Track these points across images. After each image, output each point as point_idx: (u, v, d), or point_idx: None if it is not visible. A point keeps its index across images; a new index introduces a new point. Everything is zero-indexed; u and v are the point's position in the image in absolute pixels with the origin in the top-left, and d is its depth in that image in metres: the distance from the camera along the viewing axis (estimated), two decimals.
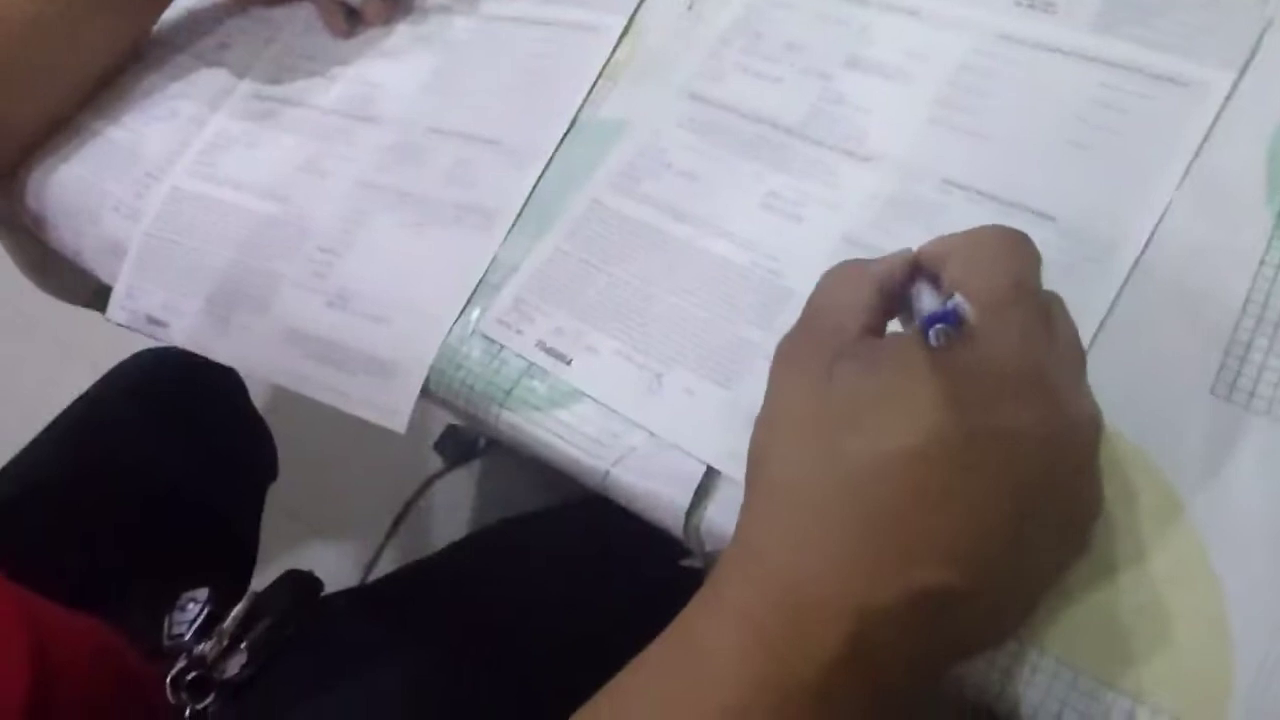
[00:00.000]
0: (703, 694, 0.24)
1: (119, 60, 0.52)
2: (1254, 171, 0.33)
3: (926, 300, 0.27)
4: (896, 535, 0.24)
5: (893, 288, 0.28)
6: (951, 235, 0.27)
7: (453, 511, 1.05)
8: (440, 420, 1.05)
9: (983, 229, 0.27)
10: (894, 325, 0.29)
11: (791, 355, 0.27)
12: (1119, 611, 0.27)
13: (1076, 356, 0.27)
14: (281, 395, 0.28)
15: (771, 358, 0.28)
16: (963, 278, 0.26)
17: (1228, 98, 0.35)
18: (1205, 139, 0.34)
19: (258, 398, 0.74)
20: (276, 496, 0.73)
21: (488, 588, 0.54)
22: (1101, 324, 0.32)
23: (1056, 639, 0.27)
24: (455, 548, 0.58)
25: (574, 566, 0.54)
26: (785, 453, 0.26)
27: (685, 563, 0.36)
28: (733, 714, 0.24)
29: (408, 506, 1.05)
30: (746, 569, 0.25)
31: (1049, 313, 0.26)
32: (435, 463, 1.06)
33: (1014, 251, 0.26)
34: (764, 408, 0.27)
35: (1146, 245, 0.33)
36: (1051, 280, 0.31)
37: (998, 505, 0.24)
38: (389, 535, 1.04)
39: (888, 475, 0.24)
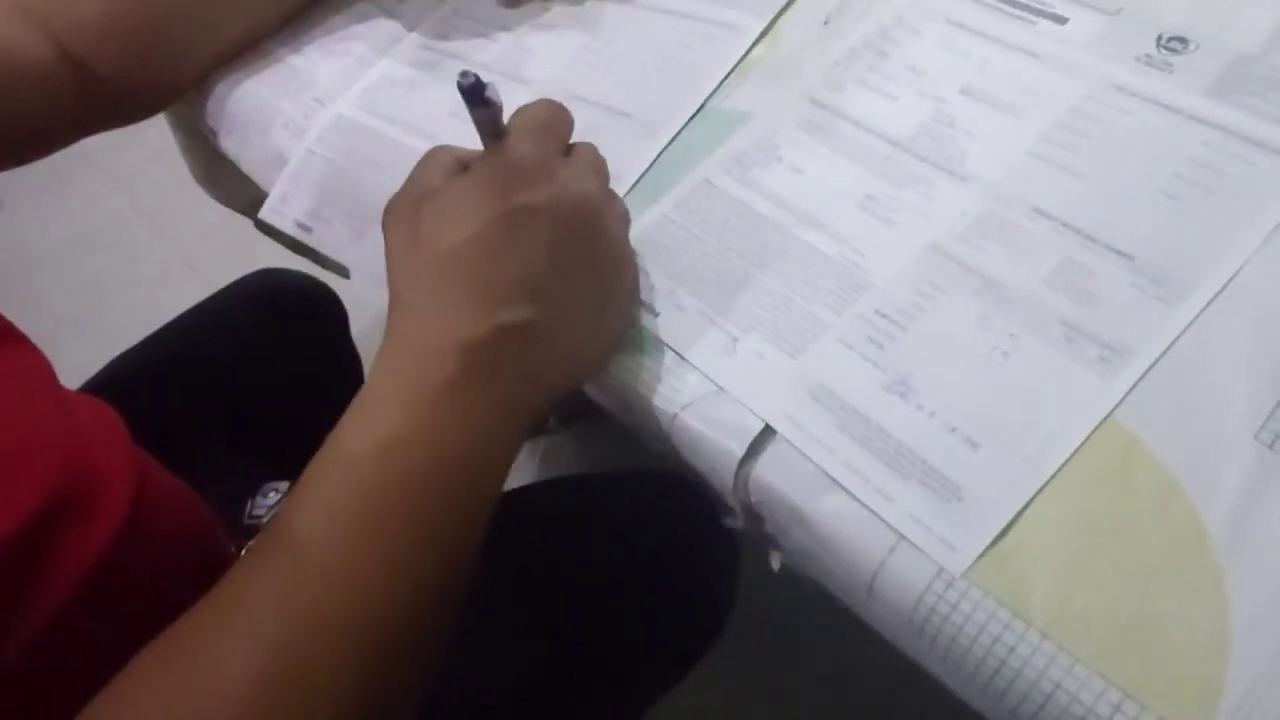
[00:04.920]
0: (367, 426, 0.34)
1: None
2: None
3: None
4: (478, 290, 0.34)
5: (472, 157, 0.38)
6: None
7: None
8: None
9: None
10: None
11: (391, 208, 0.38)
12: (1126, 612, 0.29)
13: (588, 165, 0.39)
14: (376, 332, 0.33)
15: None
16: (515, 117, 0.38)
17: None
18: None
19: (356, 335, 0.80)
20: None
21: (522, 540, 0.57)
22: (1163, 354, 0.33)
23: (1062, 627, 0.29)
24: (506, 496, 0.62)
25: (617, 525, 0.58)
26: (400, 263, 0.36)
27: (726, 522, 0.39)
28: (388, 438, 0.33)
29: None
30: (387, 342, 0.35)
31: (571, 145, 0.40)
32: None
33: (552, 110, 0.39)
34: (386, 249, 0.37)
35: (1216, 295, 0.34)
36: (1119, 311, 0.33)
37: (541, 256, 0.35)
38: None
39: (464, 254, 0.34)
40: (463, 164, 0.38)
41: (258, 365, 0.68)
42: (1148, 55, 0.41)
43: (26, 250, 1.62)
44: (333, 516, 0.32)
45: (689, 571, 0.58)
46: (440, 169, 0.38)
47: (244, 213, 0.68)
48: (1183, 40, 0.41)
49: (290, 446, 0.68)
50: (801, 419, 0.35)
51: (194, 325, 0.70)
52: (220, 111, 0.57)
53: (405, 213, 0.37)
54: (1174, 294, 0.35)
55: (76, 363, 0.65)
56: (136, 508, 0.35)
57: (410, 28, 0.57)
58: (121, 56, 0.52)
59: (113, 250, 1.58)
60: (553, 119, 0.39)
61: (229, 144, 0.57)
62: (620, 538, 0.58)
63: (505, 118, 0.38)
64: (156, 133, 0.70)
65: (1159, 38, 0.42)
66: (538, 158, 0.36)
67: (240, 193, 0.66)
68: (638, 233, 0.42)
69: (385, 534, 0.32)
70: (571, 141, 0.41)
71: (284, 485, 0.58)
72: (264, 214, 0.51)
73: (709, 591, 0.60)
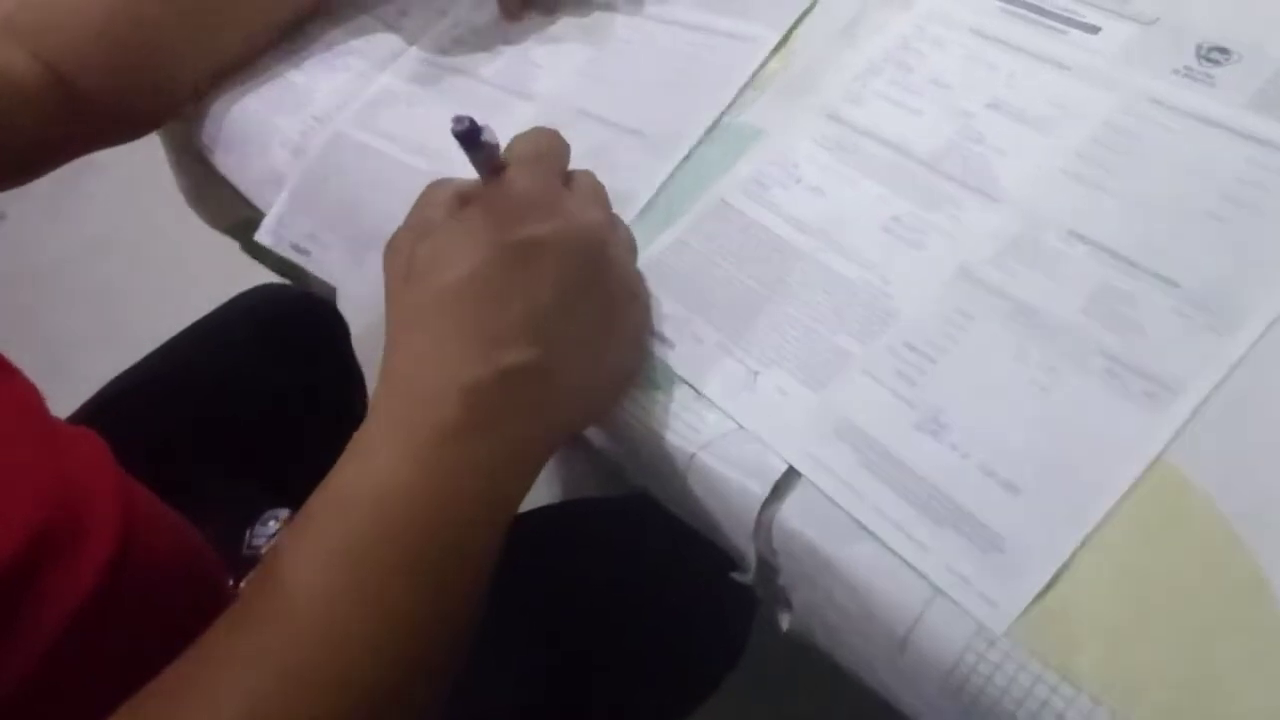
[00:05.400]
0: (363, 479, 0.32)
1: (311, 10, 0.57)
2: None
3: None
4: (479, 330, 0.32)
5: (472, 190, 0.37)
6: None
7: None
8: None
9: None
10: None
11: (391, 244, 0.37)
12: (1183, 674, 0.27)
13: (589, 194, 0.38)
14: (378, 349, 0.32)
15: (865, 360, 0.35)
16: (512, 147, 0.37)
17: None
18: None
19: (358, 349, 0.78)
20: None
21: (538, 561, 0.56)
22: (1215, 389, 0.31)
23: (1115, 691, 0.27)
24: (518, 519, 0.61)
25: (622, 555, 0.56)
26: (399, 302, 0.35)
27: (734, 575, 0.37)
28: (385, 486, 0.31)
29: None
30: (384, 385, 0.34)
31: (569, 173, 0.38)
32: None
33: (549, 138, 0.38)
34: (385, 287, 0.36)
35: (1272, 325, 0.32)
36: (1165, 341, 0.31)
37: (545, 294, 0.33)
38: None
39: (464, 292, 0.33)
40: (463, 198, 0.36)
41: (257, 383, 0.67)
42: (1187, 67, 0.39)
43: (30, 262, 1.61)
44: (326, 569, 0.31)
45: (704, 606, 0.56)
46: (440, 204, 0.36)
47: (230, 234, 0.67)
48: (1224, 50, 0.39)
49: (292, 464, 0.67)
50: (826, 459, 0.33)
51: (192, 343, 0.69)
52: (217, 129, 0.55)
53: (404, 250, 0.35)
54: (1225, 323, 0.32)
55: (82, 375, 0.63)
56: (126, 544, 0.34)
57: (411, 42, 0.55)
58: (114, 76, 0.51)
59: (117, 262, 1.57)
60: (550, 148, 0.38)
61: (225, 163, 0.55)
62: (632, 568, 0.56)
63: (507, 139, 0.36)
64: (153, 149, 0.69)
65: (1198, 48, 0.39)
66: (539, 189, 0.35)
67: (228, 213, 0.64)
68: (651, 258, 0.40)
69: (381, 587, 0.31)
70: (571, 168, 0.39)
71: (284, 513, 0.56)
72: (260, 236, 0.49)
73: (723, 627, 0.58)
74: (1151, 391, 0.32)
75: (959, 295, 0.36)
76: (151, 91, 0.54)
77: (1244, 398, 0.31)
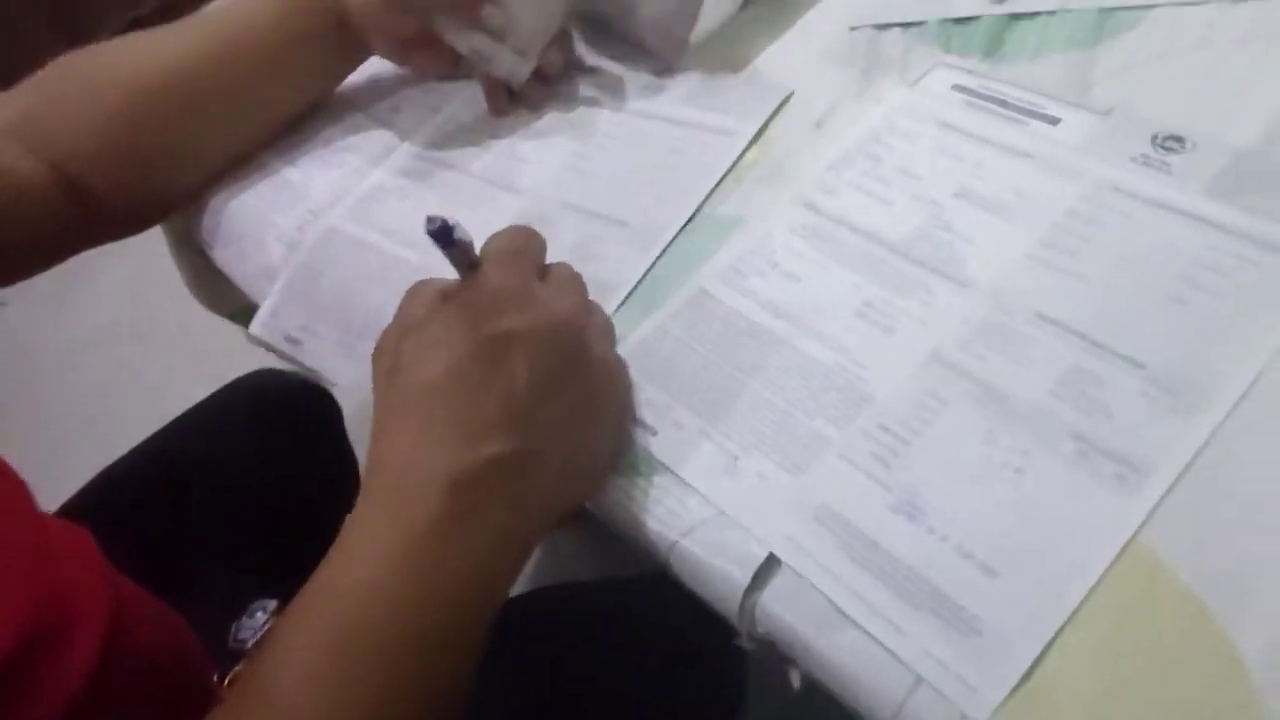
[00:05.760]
0: (349, 566, 0.33)
1: (307, 109, 0.59)
2: None
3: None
4: (460, 423, 0.33)
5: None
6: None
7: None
8: None
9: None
10: None
11: (379, 343, 0.38)
12: None
13: (565, 285, 0.39)
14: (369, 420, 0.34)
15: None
16: (488, 244, 0.38)
17: None
18: None
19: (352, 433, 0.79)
20: None
21: (540, 640, 0.55)
22: (1184, 471, 0.32)
23: None
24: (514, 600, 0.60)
25: (629, 634, 0.56)
26: (383, 398, 0.36)
27: (736, 642, 0.37)
28: (372, 578, 0.32)
29: None
30: (371, 478, 0.35)
31: (546, 266, 0.40)
32: None
33: (524, 235, 0.39)
34: (373, 384, 0.37)
35: (1236, 406, 0.33)
36: (1134, 423, 0.32)
37: (522, 384, 0.34)
38: None
39: (443, 387, 0.34)
40: (445, 295, 0.37)
41: (251, 470, 0.67)
42: (1144, 155, 0.41)
43: (29, 352, 1.62)
44: (309, 669, 0.31)
45: (697, 676, 0.55)
46: (423, 302, 0.37)
47: (232, 319, 0.68)
48: (1179, 139, 0.41)
49: (283, 554, 0.67)
50: (805, 543, 0.34)
51: (187, 430, 0.69)
52: (215, 225, 0.57)
53: (389, 348, 0.36)
54: (1191, 404, 0.33)
55: (82, 463, 0.64)
56: (112, 641, 0.34)
57: (403, 138, 0.57)
58: (116, 177, 0.53)
59: (120, 350, 1.58)
60: (525, 244, 0.39)
61: (223, 257, 0.56)
62: (625, 643, 0.56)
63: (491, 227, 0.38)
64: (159, 237, 0.71)
65: (1155, 137, 0.41)
66: (512, 283, 0.36)
67: (230, 300, 0.66)
68: (634, 346, 0.41)
69: (364, 683, 0.31)
70: (555, 260, 0.40)
71: (272, 604, 0.56)
72: (254, 328, 0.51)
73: (719, 696, 0.57)
74: (1121, 474, 0.32)
75: (931, 378, 0.36)
76: (156, 189, 0.56)
77: (1211, 478, 0.31)
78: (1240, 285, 0.36)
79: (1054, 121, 0.43)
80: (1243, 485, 0.31)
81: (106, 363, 1.57)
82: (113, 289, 1.64)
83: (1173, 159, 0.40)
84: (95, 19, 2.35)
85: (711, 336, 0.41)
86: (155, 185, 0.56)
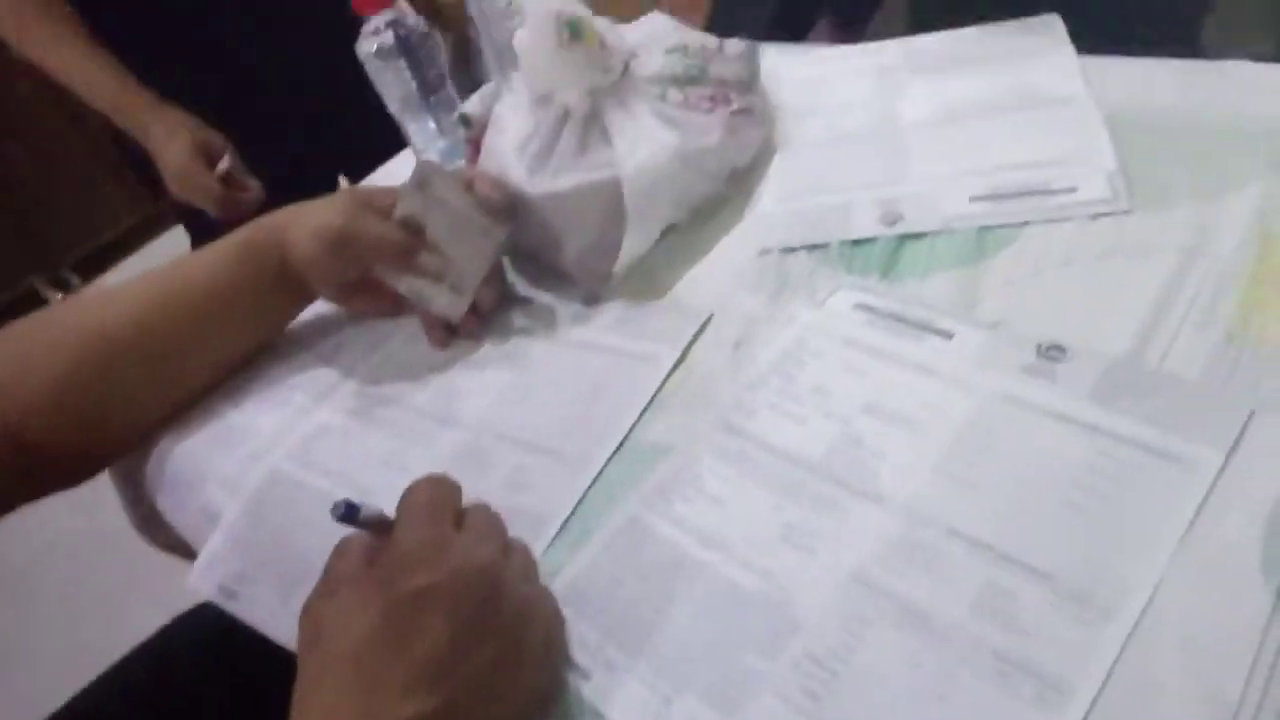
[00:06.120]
0: None
1: (255, 352, 0.62)
2: (1249, 549, 0.35)
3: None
4: (379, 687, 0.33)
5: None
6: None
7: None
8: None
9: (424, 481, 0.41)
10: None
11: (305, 606, 0.38)
12: None
13: (481, 531, 0.40)
14: None
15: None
16: (404, 498, 0.40)
17: (1219, 474, 0.37)
18: (1198, 514, 0.36)
19: None
20: None
21: None
22: (1102, 688, 0.32)
23: None
24: None
25: None
26: (306, 665, 0.36)
27: None
28: None
29: None
30: None
31: (463, 511, 0.41)
32: None
33: (436, 487, 0.40)
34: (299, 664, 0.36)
35: (1143, 614, 0.34)
36: (1048, 637, 0.33)
37: (440, 640, 0.34)
38: None
39: (360, 653, 0.34)
40: (367, 554, 0.38)
41: (194, 708, 0.65)
42: (1030, 365, 0.44)
43: None
44: None
45: None
46: (348, 563, 0.38)
47: (184, 556, 0.67)
48: (1060, 348, 0.44)
49: None
50: None
51: (131, 671, 0.67)
52: (159, 471, 0.58)
53: (312, 612, 0.37)
54: (1099, 614, 0.34)
55: (38, 689, 0.61)
56: None
57: (346, 375, 0.59)
58: (66, 434, 0.54)
59: (73, 573, 1.54)
60: (437, 496, 0.40)
61: (166, 504, 0.57)
62: None
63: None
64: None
65: (1039, 347, 0.45)
66: (424, 541, 0.37)
67: (178, 540, 0.65)
68: (567, 582, 0.42)
69: None
70: (477, 500, 0.41)
71: None
72: (192, 580, 0.50)
73: None
74: (1042, 693, 0.33)
75: (854, 600, 0.37)
76: (104, 442, 0.57)
77: (1128, 695, 0.32)
78: (1128, 490, 0.38)
79: (948, 336, 0.47)
80: (1158, 704, 0.32)
81: (66, 582, 1.52)
82: (70, 509, 1.61)
83: (1057, 367, 0.43)
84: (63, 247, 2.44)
85: (642, 568, 0.41)
86: (104, 438, 0.57)
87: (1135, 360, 0.43)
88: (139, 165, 1.05)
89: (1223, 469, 0.37)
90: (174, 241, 1.35)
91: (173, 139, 1.00)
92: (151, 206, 2.34)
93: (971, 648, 0.35)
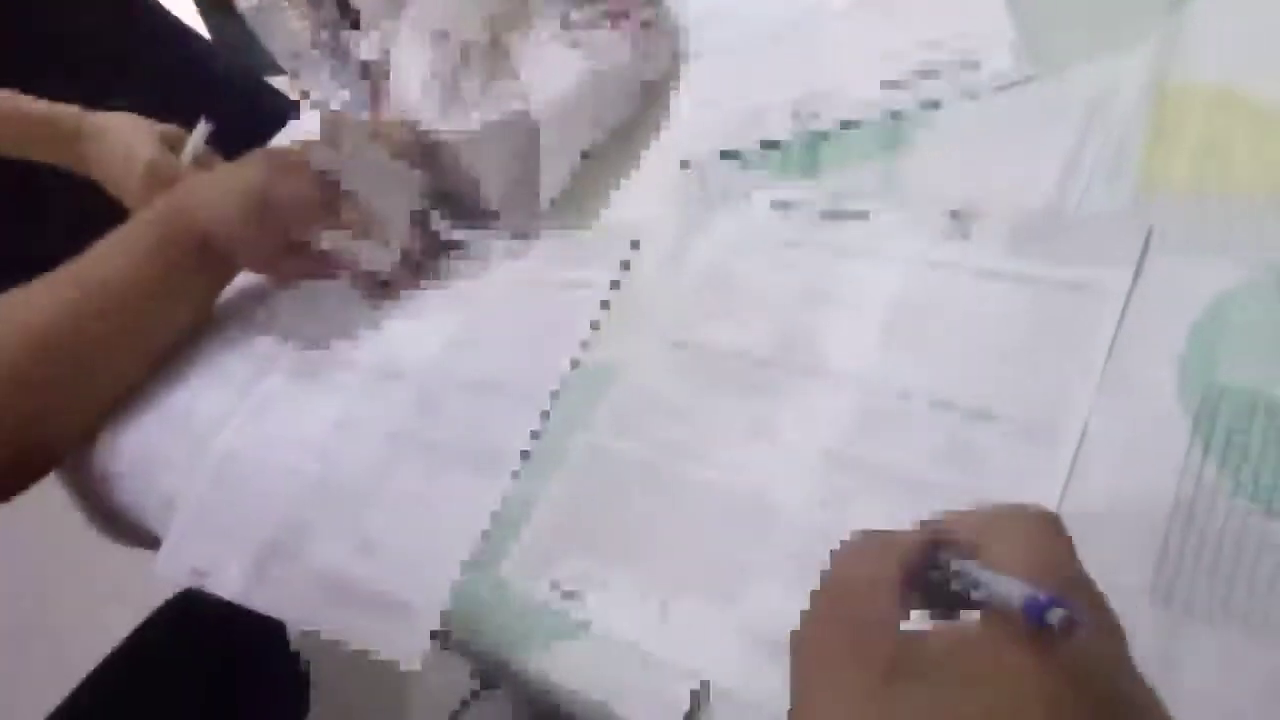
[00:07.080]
0: None
1: (187, 331, 0.60)
2: (1165, 374, 0.37)
3: (993, 581, 0.23)
4: None
5: (914, 564, 0.25)
6: (973, 511, 0.26)
7: None
8: None
9: (1009, 507, 0.26)
10: None
11: (826, 658, 0.23)
12: None
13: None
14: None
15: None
16: (1010, 557, 0.23)
17: (1129, 297, 0.39)
18: (1114, 340, 0.38)
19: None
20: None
21: None
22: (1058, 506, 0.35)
23: None
24: None
25: None
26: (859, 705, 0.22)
27: None
28: None
29: None
30: None
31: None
32: (472, 685, 1.07)
33: (1057, 533, 0.25)
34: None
35: (1080, 445, 0.36)
36: (1006, 478, 0.34)
37: None
38: None
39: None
40: (908, 573, 0.25)
41: (188, 706, 0.66)
42: (945, 229, 0.45)
43: None
44: None
45: None
46: (888, 591, 0.24)
47: (147, 547, 0.67)
48: (973, 212, 0.45)
49: None
50: (748, 670, 0.35)
51: (111, 674, 0.67)
52: (111, 467, 0.57)
53: (854, 677, 0.23)
54: (1044, 448, 0.36)
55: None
56: None
57: (283, 340, 0.58)
58: (8, 441, 0.52)
59: (39, 586, 1.51)
60: (1068, 556, 0.25)
61: (123, 499, 0.56)
62: None
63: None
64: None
65: (951, 213, 0.46)
66: (1119, 638, 0.24)
67: (136, 532, 0.65)
68: (544, 515, 0.43)
69: None
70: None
71: None
72: (159, 567, 0.50)
73: None
74: None
75: (830, 476, 0.39)
76: (47, 443, 0.56)
77: (1075, 520, 0.34)
78: (1052, 326, 0.39)
79: (864, 217, 0.48)
80: (1104, 530, 0.34)
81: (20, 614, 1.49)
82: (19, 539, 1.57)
83: (972, 226, 0.45)
84: None
85: (616, 491, 0.42)
86: (45, 440, 0.55)
87: (1047, 210, 0.44)
88: None
89: (1131, 291, 0.39)
90: None
91: (136, 132, 0.83)
92: None
93: (942, 496, 0.36)
